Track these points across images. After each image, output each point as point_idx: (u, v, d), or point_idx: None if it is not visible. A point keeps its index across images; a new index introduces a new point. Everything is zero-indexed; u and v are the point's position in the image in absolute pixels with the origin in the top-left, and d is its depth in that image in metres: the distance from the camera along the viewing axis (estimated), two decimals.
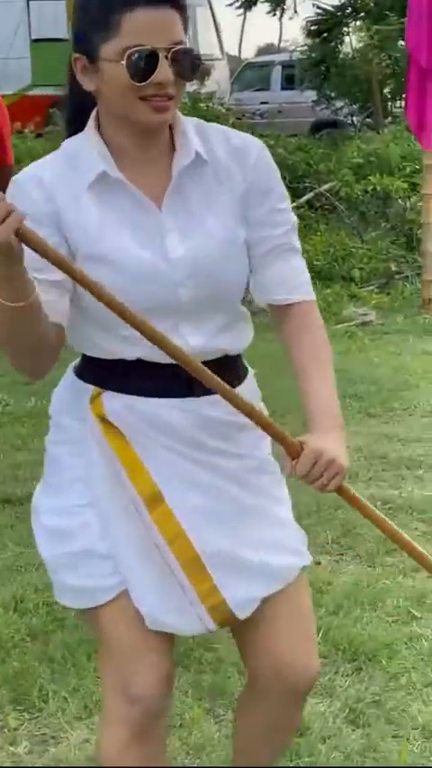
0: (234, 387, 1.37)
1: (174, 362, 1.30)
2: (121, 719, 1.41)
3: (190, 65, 1.32)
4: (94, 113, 1.38)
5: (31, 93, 11.08)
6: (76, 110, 1.43)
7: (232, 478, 1.42)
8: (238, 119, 10.55)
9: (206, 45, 13.49)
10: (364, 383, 4.77)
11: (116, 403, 1.36)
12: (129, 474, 1.37)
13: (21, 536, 2.98)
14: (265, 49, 24.24)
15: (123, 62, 1.25)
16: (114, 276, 1.28)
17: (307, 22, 12.65)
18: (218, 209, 1.38)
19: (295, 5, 13.70)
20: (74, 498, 1.41)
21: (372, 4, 11.58)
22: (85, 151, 1.35)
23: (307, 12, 12.87)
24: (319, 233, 7.59)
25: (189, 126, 1.40)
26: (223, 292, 1.39)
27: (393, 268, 7.19)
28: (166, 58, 1.26)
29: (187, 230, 1.35)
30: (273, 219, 1.40)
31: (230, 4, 14.30)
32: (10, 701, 2.18)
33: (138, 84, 1.25)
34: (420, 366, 5.12)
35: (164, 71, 1.25)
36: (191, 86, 11.56)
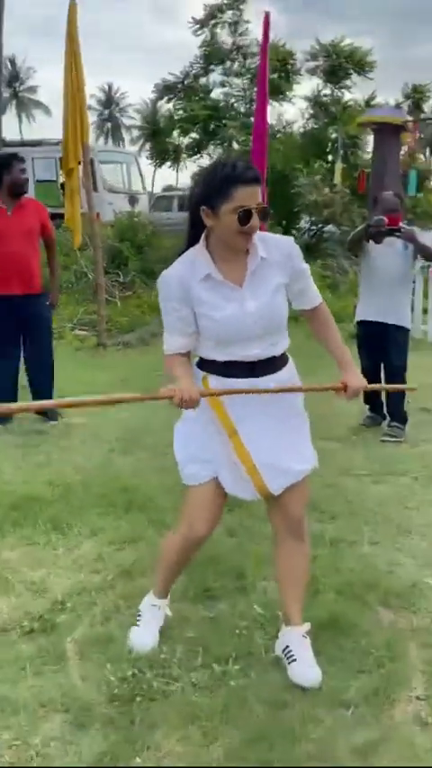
0: (279, 370, 2.37)
1: (243, 360, 2.31)
2: (181, 535, 2.51)
3: (265, 214, 2.22)
4: (204, 236, 2.28)
5: None
6: (195, 234, 2.31)
7: (275, 417, 2.37)
8: (155, 227, 13.40)
9: (136, 185, 18.74)
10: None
11: (214, 381, 2.36)
12: (220, 419, 2.37)
13: None
14: (169, 188, 31.99)
15: (236, 216, 2.15)
16: (215, 324, 2.26)
17: (193, 174, 18.01)
18: (273, 282, 2.30)
19: (186, 164, 18.77)
20: (194, 429, 2.44)
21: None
22: (198, 258, 2.27)
23: (192, 168, 18.45)
24: None
25: (256, 238, 2.26)
26: (274, 325, 2.33)
27: None
28: (257, 212, 2.17)
29: (257, 297, 2.27)
30: (303, 277, 2.37)
31: (150, 163, 20.83)
32: None
33: (242, 227, 2.17)
34: None
35: (255, 220, 2.17)
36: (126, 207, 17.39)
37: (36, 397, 5.24)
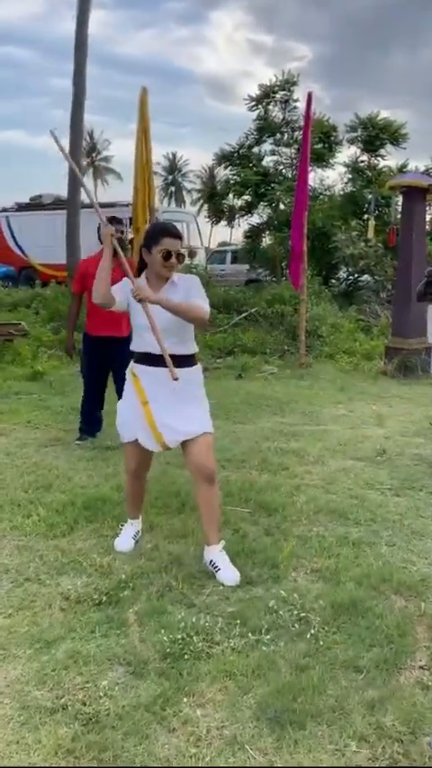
0: (182, 367, 3.07)
1: (157, 353, 3.03)
2: (128, 475, 3.50)
3: (181, 258, 3.16)
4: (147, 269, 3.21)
5: None
6: (141, 267, 3.24)
7: (176, 394, 3.12)
8: (210, 277, 14.75)
9: (195, 241, 19.98)
10: (272, 399, 7.13)
11: (137, 367, 3.23)
12: (137, 392, 3.20)
13: None
14: (223, 243, 32.73)
15: (160, 254, 3.09)
16: (140, 319, 3.09)
17: (244, 231, 18.42)
18: (178, 296, 3.09)
19: (239, 222, 19.65)
20: (124, 402, 3.34)
21: (275, 223, 18.25)
22: (142, 279, 3.16)
23: (244, 226, 18.75)
24: (249, 331, 10.85)
25: (175, 275, 3.18)
26: (173, 327, 3.07)
27: (285, 347, 10.29)
28: (175, 254, 3.12)
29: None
30: (191, 296, 3.09)
31: (207, 222, 21.56)
32: None
33: (165, 261, 3.11)
34: (298, 391, 7.70)
35: (173, 259, 3.11)
36: (187, 260, 18.13)
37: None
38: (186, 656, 2.51)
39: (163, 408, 3.18)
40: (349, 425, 6.24)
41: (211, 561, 3.21)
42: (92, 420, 5.65)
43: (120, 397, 5.54)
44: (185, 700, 2.28)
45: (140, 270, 3.27)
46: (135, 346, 3.29)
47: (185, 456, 3.26)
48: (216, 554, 3.22)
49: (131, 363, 3.32)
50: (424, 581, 3.17)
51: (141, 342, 3.22)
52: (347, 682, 2.40)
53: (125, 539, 3.52)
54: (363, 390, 7.99)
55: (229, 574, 3.14)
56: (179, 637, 2.60)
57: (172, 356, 3.05)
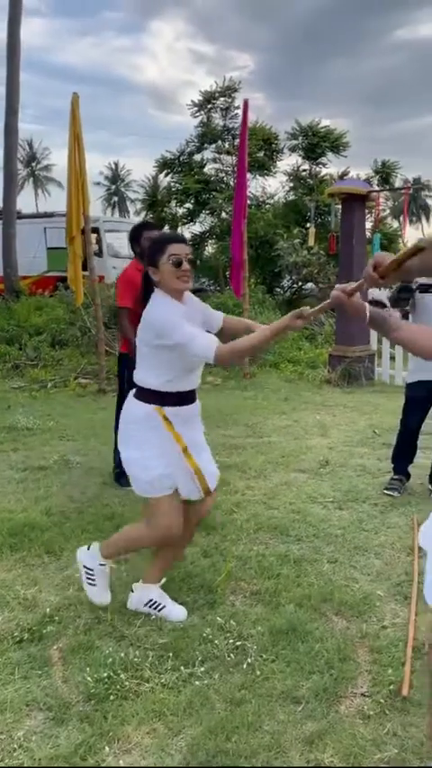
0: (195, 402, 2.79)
1: (192, 389, 2.75)
2: (161, 535, 2.78)
3: (193, 262, 2.68)
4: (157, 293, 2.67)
5: (47, 274, 15.73)
6: (147, 288, 2.73)
7: (199, 429, 2.84)
8: None
9: None
10: (215, 411, 6.82)
11: (170, 410, 2.70)
12: (174, 438, 2.71)
13: None
14: None
15: (170, 262, 2.62)
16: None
17: (187, 240, 19.61)
18: (198, 315, 2.75)
19: (181, 231, 18.93)
20: (154, 452, 2.68)
21: (218, 232, 18.19)
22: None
23: (187, 235, 19.21)
24: None
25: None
26: None
27: None
28: (185, 259, 2.63)
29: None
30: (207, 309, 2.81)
31: None
32: None
33: (178, 268, 2.62)
34: (241, 403, 7.59)
35: (185, 265, 2.63)
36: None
37: None
38: (112, 697, 2.35)
39: (198, 451, 2.83)
40: (293, 436, 6.17)
41: (150, 601, 2.94)
42: None
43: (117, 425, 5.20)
44: (108, 748, 2.11)
45: (146, 297, 2.76)
46: (172, 386, 2.74)
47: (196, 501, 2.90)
48: (158, 593, 2.97)
49: (160, 408, 2.74)
50: (366, 599, 3.08)
51: (186, 381, 2.77)
52: (285, 715, 2.28)
53: (105, 587, 2.98)
54: (307, 400, 7.95)
55: (180, 611, 2.93)
56: (105, 675, 2.43)
57: (192, 391, 2.83)
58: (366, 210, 9.54)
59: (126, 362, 4.69)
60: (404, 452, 4.75)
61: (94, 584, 2.94)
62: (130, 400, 2.81)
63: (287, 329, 2.58)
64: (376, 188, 13.49)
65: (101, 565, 2.94)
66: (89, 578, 2.95)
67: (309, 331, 11.58)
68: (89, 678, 2.42)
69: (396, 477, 4.70)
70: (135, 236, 4.83)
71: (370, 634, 2.79)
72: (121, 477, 4.76)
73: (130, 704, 2.32)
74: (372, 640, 2.74)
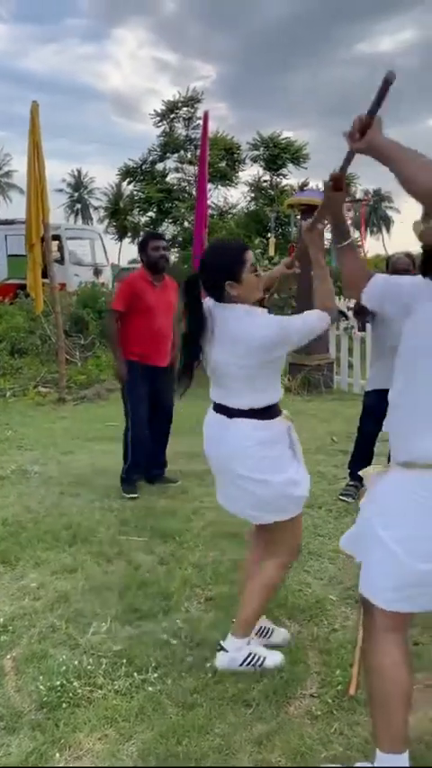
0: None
1: None
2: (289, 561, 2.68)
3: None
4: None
5: (7, 282, 15.67)
6: (199, 312, 2.43)
7: None
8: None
9: (100, 258, 18.77)
10: (178, 420, 5.42)
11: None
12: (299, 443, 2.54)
13: None
14: (134, 261, 32.50)
15: (252, 273, 2.40)
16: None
17: None
18: None
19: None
20: (293, 465, 2.51)
21: (180, 241, 18.59)
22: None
23: None
24: None
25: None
26: None
27: None
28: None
29: None
30: None
31: (112, 239, 21.39)
32: None
33: (257, 278, 2.44)
34: (203, 411, 8.34)
35: (259, 271, 2.48)
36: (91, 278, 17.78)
37: (156, 464, 5.10)
38: (65, 705, 2.37)
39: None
40: None
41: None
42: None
43: (164, 433, 5.04)
44: (59, 755, 2.13)
45: (198, 324, 2.48)
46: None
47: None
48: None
49: (281, 419, 2.54)
50: (318, 603, 3.15)
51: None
52: (235, 717, 2.33)
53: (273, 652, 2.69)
54: None
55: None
56: (58, 683, 2.45)
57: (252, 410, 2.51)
58: (324, 222, 9.69)
59: (130, 370, 4.74)
60: (361, 459, 4.84)
61: (263, 657, 2.63)
62: (249, 427, 2.47)
63: (309, 245, 2.48)
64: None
65: (248, 644, 2.63)
66: (256, 661, 2.62)
67: None
68: (42, 687, 2.44)
69: (352, 483, 4.80)
70: (142, 246, 4.87)
71: (320, 637, 2.86)
72: (128, 481, 4.85)
73: (82, 711, 2.34)
74: (322, 643, 2.81)
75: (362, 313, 4.84)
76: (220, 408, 2.56)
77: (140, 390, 4.79)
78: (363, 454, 4.84)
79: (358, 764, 2.03)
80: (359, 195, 18.56)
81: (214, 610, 3.08)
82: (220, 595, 3.21)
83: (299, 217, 10.31)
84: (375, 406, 4.78)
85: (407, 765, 1.91)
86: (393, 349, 1.99)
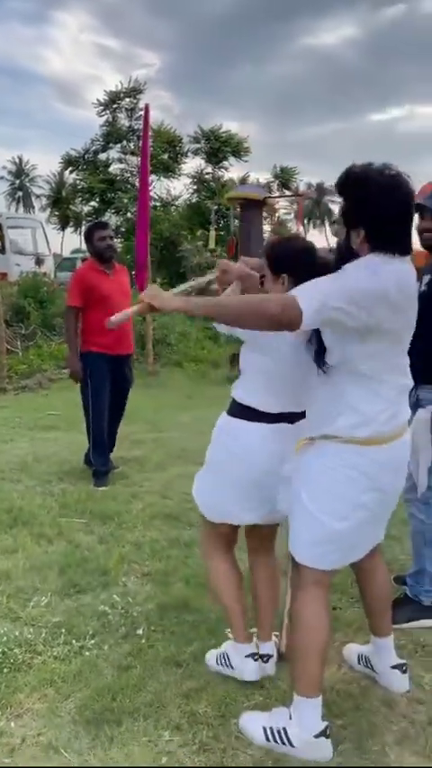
0: None
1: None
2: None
3: None
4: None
5: None
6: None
7: None
8: (59, 285, 13.64)
9: (42, 248, 18.89)
10: None
11: None
12: None
13: None
14: (76, 250, 32.26)
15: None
16: None
17: None
18: None
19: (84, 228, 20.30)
20: None
21: (123, 231, 18.60)
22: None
23: None
24: None
25: None
26: None
27: (133, 356, 11.25)
28: None
29: None
30: None
31: (54, 228, 21.21)
32: None
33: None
34: (145, 400, 7.91)
35: None
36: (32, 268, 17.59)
37: (111, 442, 5.12)
38: (6, 670, 2.52)
39: None
40: (194, 432, 6.40)
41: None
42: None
43: (117, 421, 5.02)
44: (0, 713, 2.29)
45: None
46: None
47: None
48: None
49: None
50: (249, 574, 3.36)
51: None
52: (167, 676, 2.52)
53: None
54: (210, 397, 8.22)
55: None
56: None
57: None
58: (265, 215, 9.96)
59: (88, 361, 4.80)
60: None
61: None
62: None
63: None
64: (275, 193, 14.02)
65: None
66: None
67: (211, 331, 11.91)
68: None
69: None
70: (88, 236, 4.95)
71: (250, 605, 3.07)
72: (95, 476, 4.85)
73: (22, 675, 2.50)
74: (250, 610, 3.02)
75: None
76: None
77: (104, 383, 4.83)
78: None
79: (275, 708, 2.25)
80: (302, 188, 18.89)
81: (151, 584, 3.27)
82: (157, 571, 3.40)
83: (238, 210, 10.54)
84: None
85: (319, 708, 2.14)
86: None
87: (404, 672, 2.46)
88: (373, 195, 1.96)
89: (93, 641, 2.73)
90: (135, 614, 2.95)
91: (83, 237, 5.34)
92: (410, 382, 2.12)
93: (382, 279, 1.92)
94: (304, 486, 2.13)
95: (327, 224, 71.10)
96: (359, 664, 2.58)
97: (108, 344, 4.76)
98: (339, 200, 2.15)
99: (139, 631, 2.81)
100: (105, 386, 4.84)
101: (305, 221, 17.31)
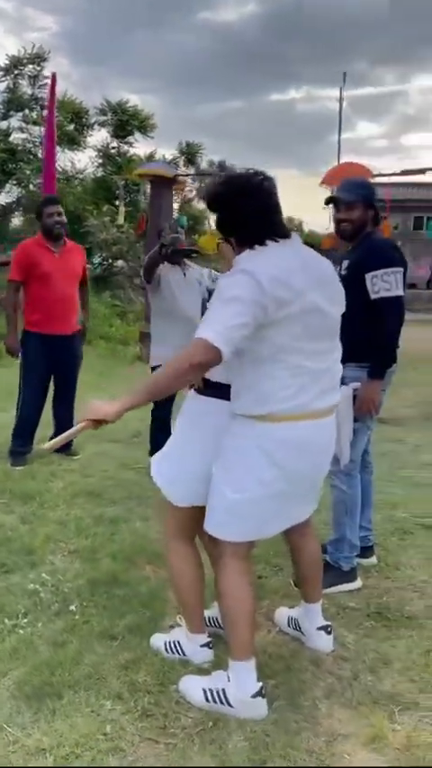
0: None
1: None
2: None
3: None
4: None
5: None
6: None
7: None
8: None
9: None
10: None
11: None
12: None
13: None
14: None
15: None
16: None
17: None
18: None
19: None
20: None
21: (25, 203, 18.03)
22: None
23: None
24: None
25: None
26: None
27: None
28: None
29: None
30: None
31: None
32: None
33: None
34: None
35: None
36: None
37: (60, 428, 4.80)
38: None
39: None
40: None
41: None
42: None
43: (66, 406, 4.82)
44: None
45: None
46: None
47: None
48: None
49: None
50: None
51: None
52: (103, 649, 2.57)
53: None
54: (121, 375, 8.23)
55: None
56: None
57: None
58: (174, 193, 9.96)
59: (23, 340, 4.71)
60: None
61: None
62: None
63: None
64: (183, 171, 14.00)
65: None
66: None
67: (120, 308, 11.83)
68: None
69: None
70: (38, 211, 4.79)
71: None
72: (10, 455, 4.77)
73: None
74: None
75: (173, 255, 4.29)
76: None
77: (37, 364, 4.73)
78: None
79: (214, 672, 2.36)
80: (204, 166, 18.86)
81: (79, 561, 3.29)
82: (84, 548, 3.42)
83: (148, 186, 10.48)
84: None
85: (253, 670, 2.26)
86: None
87: (329, 633, 2.63)
88: (225, 203, 2.13)
89: (26, 620, 2.74)
90: (66, 591, 2.97)
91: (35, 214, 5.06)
92: (321, 365, 2.15)
93: (257, 276, 1.98)
94: (216, 460, 2.24)
95: None
96: (289, 626, 2.73)
97: (42, 323, 4.67)
98: None
99: (72, 607, 2.84)
100: (36, 367, 4.74)
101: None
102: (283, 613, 2.78)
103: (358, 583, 3.14)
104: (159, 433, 4.71)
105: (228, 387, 2.26)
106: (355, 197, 3.06)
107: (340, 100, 21.03)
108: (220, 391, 2.30)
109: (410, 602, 2.99)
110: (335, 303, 2.21)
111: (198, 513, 2.36)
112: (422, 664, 2.53)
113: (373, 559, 3.37)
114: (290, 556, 2.69)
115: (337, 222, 3.15)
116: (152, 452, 4.70)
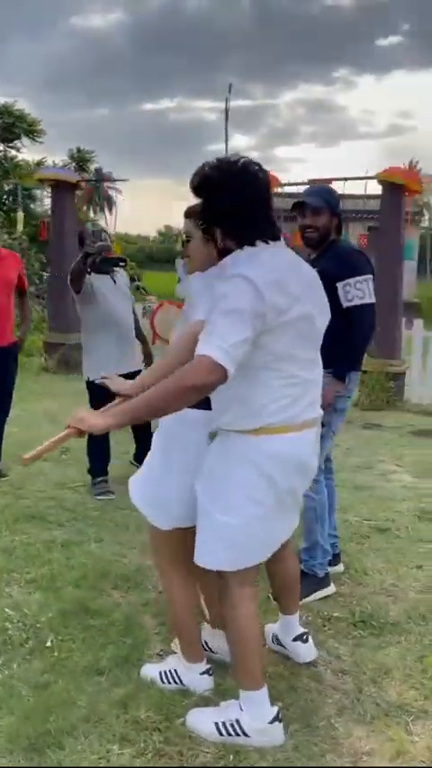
0: None
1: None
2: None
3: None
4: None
5: None
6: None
7: None
8: None
9: None
10: None
11: None
12: None
13: None
14: None
15: None
16: None
17: None
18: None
19: None
20: None
21: None
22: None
23: None
24: None
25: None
26: None
27: None
28: None
29: None
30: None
31: None
32: None
33: None
34: None
35: None
36: None
37: None
38: None
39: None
40: (23, 426, 6.04)
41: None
42: None
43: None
44: None
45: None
46: None
47: None
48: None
49: None
50: (139, 570, 3.28)
51: None
52: (93, 687, 2.38)
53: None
54: (29, 388, 7.80)
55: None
56: None
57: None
58: (76, 198, 9.67)
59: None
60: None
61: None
62: None
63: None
64: (85, 177, 13.65)
65: None
66: None
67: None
68: None
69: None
70: None
71: (150, 601, 3.01)
72: None
73: None
74: (154, 606, 2.95)
75: (102, 264, 4.14)
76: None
77: None
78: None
79: (223, 703, 2.23)
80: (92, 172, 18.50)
81: (39, 591, 3.05)
82: (41, 576, 3.18)
83: (48, 191, 10.13)
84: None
85: (266, 696, 2.16)
86: None
87: (305, 641, 2.56)
88: (217, 188, 1.98)
89: None
90: (37, 625, 2.75)
91: None
92: (311, 375, 2.08)
93: (256, 282, 1.86)
94: (200, 478, 2.12)
95: (107, 211, 70.75)
96: (273, 643, 2.65)
97: None
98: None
99: (48, 643, 2.62)
100: None
101: (87, 206, 16.99)
102: (267, 631, 2.70)
103: (332, 588, 3.12)
104: (96, 449, 4.51)
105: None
106: (323, 203, 3.04)
107: (226, 110, 21.09)
108: (203, 401, 2.08)
109: (389, 608, 3.00)
110: (322, 312, 2.14)
111: (190, 535, 2.21)
112: (419, 670, 2.53)
113: (340, 567, 3.36)
114: (265, 569, 2.57)
115: (302, 229, 3.11)
116: (91, 470, 4.49)
